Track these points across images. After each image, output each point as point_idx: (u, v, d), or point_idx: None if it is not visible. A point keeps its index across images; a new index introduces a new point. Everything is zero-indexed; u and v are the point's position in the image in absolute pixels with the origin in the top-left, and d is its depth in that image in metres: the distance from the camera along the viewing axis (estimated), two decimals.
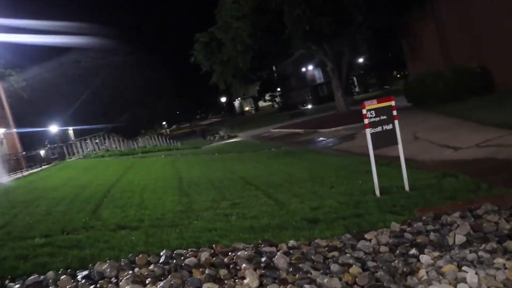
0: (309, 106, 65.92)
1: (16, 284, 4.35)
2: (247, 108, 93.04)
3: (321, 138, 20.58)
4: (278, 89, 79.30)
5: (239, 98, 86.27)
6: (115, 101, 64.06)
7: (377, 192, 6.84)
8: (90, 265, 4.68)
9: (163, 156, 25.49)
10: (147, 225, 6.51)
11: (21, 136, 28.67)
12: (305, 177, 9.91)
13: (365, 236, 4.92)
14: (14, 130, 26.18)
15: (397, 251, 4.40)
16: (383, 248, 4.55)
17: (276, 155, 17.50)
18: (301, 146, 19.48)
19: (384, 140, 6.88)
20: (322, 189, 8.10)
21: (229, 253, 4.65)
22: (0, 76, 27.35)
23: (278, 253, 4.52)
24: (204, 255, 4.55)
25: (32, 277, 4.46)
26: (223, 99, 60.11)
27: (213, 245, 4.99)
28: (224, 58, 29.67)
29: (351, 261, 4.22)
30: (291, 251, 4.66)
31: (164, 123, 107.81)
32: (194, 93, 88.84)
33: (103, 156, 27.55)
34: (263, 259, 4.41)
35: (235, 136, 38.37)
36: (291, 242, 4.92)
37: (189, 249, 4.90)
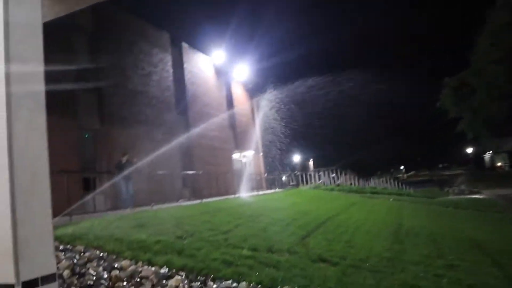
0: None
1: (214, 284, 4.74)
2: (499, 164, 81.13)
3: None
4: None
5: (490, 151, 76.15)
6: (357, 138, 65.45)
7: None
8: (279, 287, 4.72)
9: (391, 200, 24.53)
10: (348, 264, 6.22)
11: (267, 159, 32.22)
12: None
13: None
14: (261, 153, 29.73)
15: None
16: None
17: None
18: None
19: None
20: None
21: None
22: (256, 103, 31.58)
23: None
24: None
25: (227, 282, 4.81)
26: (470, 150, 54.07)
27: None
28: (475, 105, 26.74)
29: None
30: None
31: (402, 167, 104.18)
32: (438, 140, 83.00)
33: (332, 190, 28.37)
34: None
35: (478, 192, 33.87)
36: None
37: None
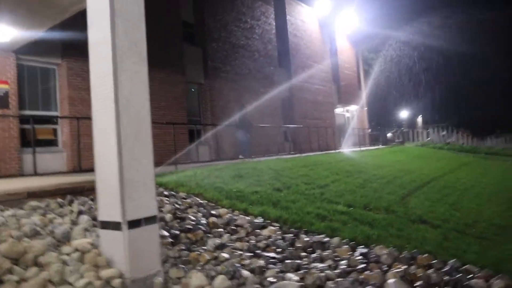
0: None
1: (306, 237, 4.77)
2: None
3: None
4: None
5: None
6: (476, 91, 59.43)
7: None
8: (373, 245, 4.60)
9: (510, 162, 22.24)
10: (450, 227, 5.84)
11: (371, 114, 31.04)
12: None
13: None
14: (365, 108, 28.67)
15: None
16: None
17: None
18: None
19: None
20: None
21: None
22: (364, 59, 30.17)
23: None
24: (498, 284, 3.66)
25: (320, 236, 4.80)
26: None
27: None
28: None
29: None
30: None
31: None
32: None
33: (441, 148, 26.58)
34: None
35: None
36: None
37: (484, 270, 4.06)
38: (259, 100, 16.31)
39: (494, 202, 8.24)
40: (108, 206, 3.41)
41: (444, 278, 3.78)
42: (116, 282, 3.17)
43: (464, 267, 4.10)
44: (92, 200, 4.89)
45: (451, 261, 4.20)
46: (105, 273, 3.22)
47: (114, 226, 3.35)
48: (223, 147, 14.06)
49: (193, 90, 14.53)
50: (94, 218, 4.08)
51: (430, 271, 3.93)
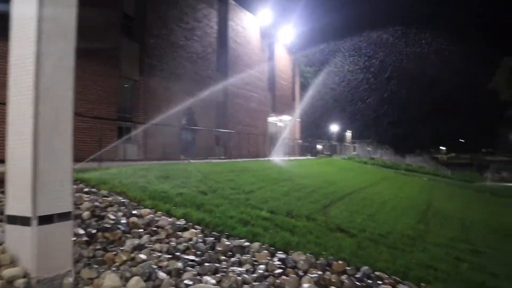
0: None
1: (227, 241, 4.77)
2: None
3: None
4: None
5: None
6: (399, 113, 63.28)
7: None
8: (292, 251, 4.71)
9: (425, 179, 23.93)
10: (366, 236, 6.13)
11: (303, 126, 31.94)
12: None
13: None
14: (298, 119, 29.45)
15: None
16: None
17: None
18: None
19: None
20: None
21: None
22: (300, 72, 31.07)
23: None
24: None
25: (241, 240, 4.83)
26: None
27: (421, 284, 4.24)
28: None
29: None
30: None
31: (443, 148, 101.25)
32: (485, 124, 79.04)
33: (365, 163, 27.96)
34: None
35: None
36: None
37: (392, 277, 4.31)
38: (194, 102, 16.19)
39: (408, 215, 8.79)
40: (18, 199, 3.17)
41: (356, 284, 3.97)
42: (20, 282, 2.97)
43: (375, 273, 4.33)
44: (2, 193, 4.55)
45: (364, 268, 4.42)
46: (8, 272, 3.00)
47: (22, 221, 3.12)
48: (153, 147, 13.72)
49: (126, 86, 14.07)
50: (1, 212, 3.80)
51: (343, 277, 4.11)
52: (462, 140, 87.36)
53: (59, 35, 3.34)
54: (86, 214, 4.67)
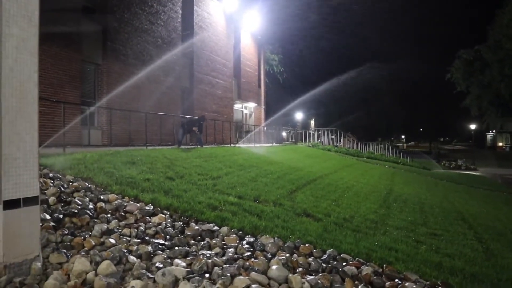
0: None
1: (196, 226, 4.81)
2: (500, 144, 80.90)
3: None
4: None
5: (493, 131, 75.76)
6: (362, 102, 65.00)
7: None
8: (259, 235, 4.80)
9: (386, 166, 24.69)
10: (331, 221, 6.31)
11: (268, 113, 32.07)
12: None
13: None
14: (263, 107, 29.55)
15: None
16: None
17: None
18: None
19: None
20: None
21: (396, 280, 4.03)
22: (266, 60, 31.07)
23: None
24: (367, 270, 4.07)
25: (209, 225, 4.88)
26: (473, 127, 53.28)
27: (384, 265, 4.43)
28: (485, 81, 26.29)
29: None
30: None
31: (403, 136, 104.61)
32: (442, 113, 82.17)
33: (329, 150, 28.50)
34: None
35: (474, 169, 34.06)
36: None
37: (357, 259, 4.48)
38: (158, 88, 15.94)
39: (370, 200, 9.08)
40: None
41: (323, 265, 4.11)
42: None
43: (340, 255, 4.49)
44: None
45: (329, 250, 4.58)
46: None
47: None
48: (117, 133, 13.45)
49: (89, 70, 13.66)
50: None
51: (310, 259, 4.24)
52: (421, 130, 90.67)
53: (21, 14, 3.24)
54: (52, 199, 4.58)
